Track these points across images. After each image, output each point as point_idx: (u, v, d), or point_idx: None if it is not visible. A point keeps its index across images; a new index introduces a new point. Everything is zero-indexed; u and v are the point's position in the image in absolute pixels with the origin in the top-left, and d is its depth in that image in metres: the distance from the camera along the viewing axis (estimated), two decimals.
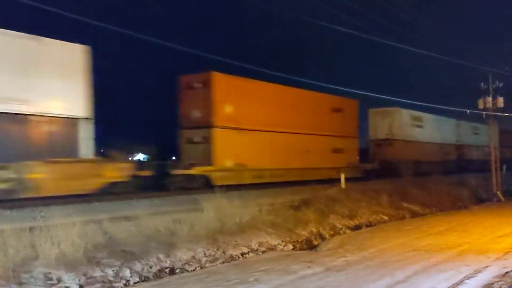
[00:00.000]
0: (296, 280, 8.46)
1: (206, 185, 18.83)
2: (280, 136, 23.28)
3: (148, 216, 11.01)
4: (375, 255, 10.71)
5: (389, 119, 32.53)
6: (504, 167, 29.02)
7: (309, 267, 9.39)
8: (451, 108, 28.70)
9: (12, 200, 13.32)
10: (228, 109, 20.88)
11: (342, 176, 20.21)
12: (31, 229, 8.71)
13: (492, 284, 8.08)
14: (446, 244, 11.95)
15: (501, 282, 8.13)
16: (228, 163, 20.70)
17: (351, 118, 28.88)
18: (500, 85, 24.62)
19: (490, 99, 24.50)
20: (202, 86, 20.59)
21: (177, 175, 18.97)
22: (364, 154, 31.66)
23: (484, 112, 25.06)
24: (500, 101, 24.61)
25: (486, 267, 9.35)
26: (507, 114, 26.45)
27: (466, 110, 27.06)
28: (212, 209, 11.62)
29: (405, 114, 33.13)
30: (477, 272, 8.93)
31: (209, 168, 19.90)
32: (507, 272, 8.79)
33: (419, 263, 9.78)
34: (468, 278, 8.44)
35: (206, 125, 20.34)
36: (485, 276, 8.59)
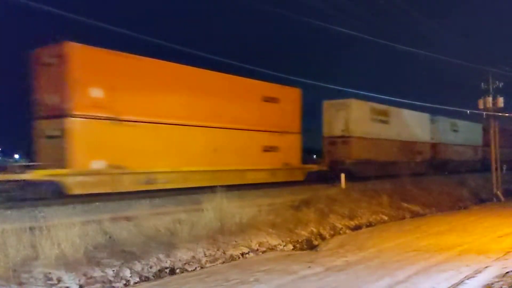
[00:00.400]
0: (297, 280, 8.47)
1: (57, 194, 14.59)
2: (184, 131, 18.15)
3: (148, 216, 11.02)
4: (375, 255, 10.72)
5: (344, 112, 27.52)
6: (504, 167, 28.98)
7: (309, 267, 9.40)
8: (451, 108, 28.68)
9: (12, 200, 13.31)
10: (97, 93, 15.70)
11: (342, 176, 20.18)
12: (31, 229, 8.72)
13: (492, 284, 8.09)
14: (446, 244, 11.96)
15: (501, 282, 8.13)
16: (96, 165, 15.52)
17: (291, 110, 23.52)
18: (500, 85, 24.62)
19: (490, 99, 24.50)
20: (57, 62, 15.45)
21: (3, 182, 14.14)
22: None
23: (484, 112, 25.05)
24: (500, 101, 24.61)
25: (486, 267, 9.36)
26: (507, 114, 26.45)
27: (466, 110, 27.05)
28: (212, 209, 11.63)
29: (365, 107, 28.44)
30: (477, 272, 8.94)
31: (61, 171, 14.65)
32: (507, 272, 8.80)
33: (419, 263, 9.79)
34: (468, 278, 8.45)
35: (62, 113, 15.21)
36: (485, 276, 8.60)
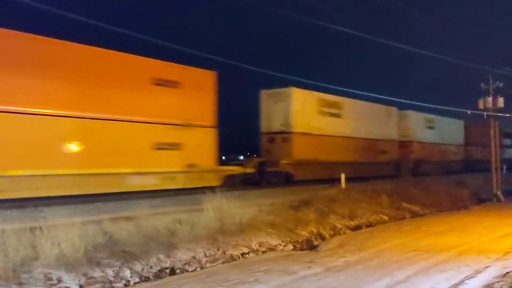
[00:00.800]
0: (296, 280, 8.46)
1: None
2: (13, 119, 13.50)
3: (148, 216, 11.03)
4: (375, 255, 10.72)
5: (284, 103, 23.25)
6: (505, 167, 28.92)
7: (309, 267, 9.40)
8: (452, 109, 28.66)
9: (13, 200, 13.31)
10: None
11: (342, 176, 20.13)
12: (31, 229, 8.72)
13: (492, 284, 8.10)
14: (446, 244, 11.96)
15: (502, 283, 8.13)
16: None
17: (201, 98, 18.63)
18: (500, 85, 24.62)
19: (490, 99, 24.49)
20: None
21: None
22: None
23: (485, 113, 25.03)
24: (500, 101, 24.60)
25: (486, 267, 9.37)
26: (508, 115, 26.44)
27: (467, 110, 27.02)
28: (212, 209, 11.63)
29: (310, 97, 24.17)
30: (477, 272, 8.94)
31: None
32: (507, 272, 8.80)
33: (419, 263, 9.78)
34: (468, 279, 8.45)
35: None
36: (485, 276, 8.61)
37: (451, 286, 8.05)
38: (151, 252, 9.18)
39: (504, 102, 24.55)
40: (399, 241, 12.56)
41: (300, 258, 10.46)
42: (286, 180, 21.55)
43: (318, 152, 24.10)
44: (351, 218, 15.39)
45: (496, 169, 24.95)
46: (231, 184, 18.66)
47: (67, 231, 8.66)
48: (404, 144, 32.05)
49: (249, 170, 21.05)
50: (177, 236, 10.30)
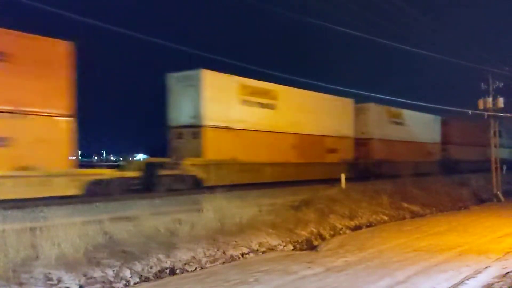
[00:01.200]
0: (296, 280, 8.47)
1: None
2: None
3: (148, 216, 11.01)
4: (375, 255, 10.72)
5: (194, 90, 18.99)
6: (504, 167, 28.90)
7: (309, 267, 9.40)
8: (453, 108, 28.58)
9: (13, 200, 13.31)
10: None
11: (342, 176, 20.09)
12: (31, 229, 8.73)
13: (492, 284, 8.10)
14: (446, 244, 11.96)
15: (501, 283, 8.14)
16: None
17: (45, 75, 14.04)
18: (500, 85, 24.60)
19: (490, 99, 24.48)
20: None
21: None
22: None
23: (485, 113, 25.01)
24: (500, 101, 24.58)
25: (486, 267, 9.37)
26: (508, 115, 26.42)
27: (468, 110, 26.99)
28: (212, 210, 11.64)
29: (229, 83, 19.88)
30: (477, 272, 8.95)
31: None
32: (507, 273, 8.81)
33: (419, 263, 9.79)
34: (468, 279, 8.46)
35: None
36: (485, 277, 8.61)
37: (451, 286, 8.05)
38: (151, 252, 9.18)
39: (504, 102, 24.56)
40: (400, 241, 12.56)
41: (300, 258, 10.46)
42: (194, 186, 17.41)
43: (240, 151, 19.96)
44: (351, 218, 15.39)
45: (496, 169, 24.93)
46: (101, 193, 14.76)
47: (67, 231, 8.66)
48: (362, 142, 28.08)
49: (131, 174, 16.43)
50: (177, 236, 10.30)
